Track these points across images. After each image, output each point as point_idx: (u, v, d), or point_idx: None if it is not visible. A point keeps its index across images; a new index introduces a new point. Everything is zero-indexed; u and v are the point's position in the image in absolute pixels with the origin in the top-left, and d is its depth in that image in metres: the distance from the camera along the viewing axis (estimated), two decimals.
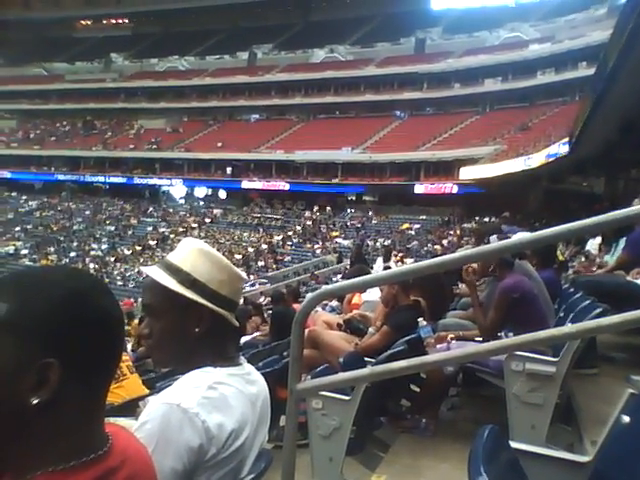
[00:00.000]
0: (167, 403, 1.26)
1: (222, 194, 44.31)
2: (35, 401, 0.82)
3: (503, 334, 3.66)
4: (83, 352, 0.86)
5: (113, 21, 63.63)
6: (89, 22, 64.24)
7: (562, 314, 4.04)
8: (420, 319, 4.17)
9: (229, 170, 42.39)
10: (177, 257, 1.45)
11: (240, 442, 1.33)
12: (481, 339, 3.75)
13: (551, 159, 24.02)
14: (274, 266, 32.53)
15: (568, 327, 2.79)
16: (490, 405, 3.66)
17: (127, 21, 63.11)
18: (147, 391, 4.22)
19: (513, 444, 1.51)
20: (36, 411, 0.83)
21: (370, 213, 37.76)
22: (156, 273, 1.42)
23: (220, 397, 1.32)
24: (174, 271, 1.42)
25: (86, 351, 0.86)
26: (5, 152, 49.77)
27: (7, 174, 48.96)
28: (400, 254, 29.12)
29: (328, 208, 38.93)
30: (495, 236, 4.33)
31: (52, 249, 39.64)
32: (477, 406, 4.01)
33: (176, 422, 1.24)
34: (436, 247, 28.44)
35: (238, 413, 1.34)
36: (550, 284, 4.37)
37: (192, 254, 1.45)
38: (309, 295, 2.44)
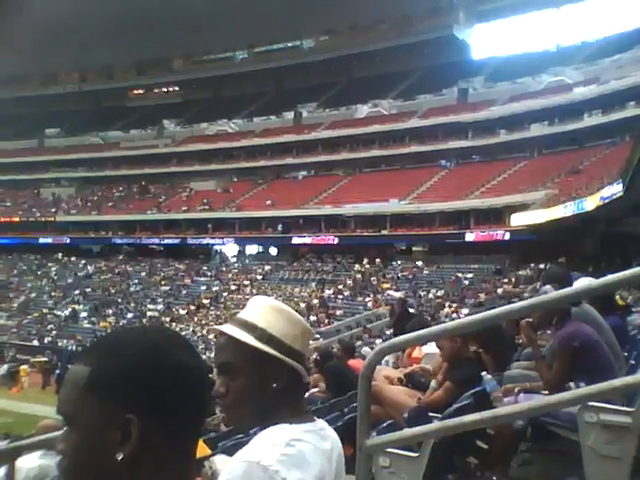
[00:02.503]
0: (247, 461, 1.27)
1: (273, 250, 44.79)
2: (120, 456, 0.86)
3: (573, 385, 3.54)
4: (163, 405, 0.89)
5: (164, 89, 66.57)
6: (141, 91, 67.37)
7: (633, 361, 3.90)
8: (483, 373, 4.08)
9: (279, 227, 42.93)
10: (250, 314, 1.47)
11: None
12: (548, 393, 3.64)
13: (605, 201, 23.52)
14: (326, 320, 32.38)
15: None
16: (563, 460, 3.52)
17: (177, 88, 65.88)
18: (210, 451, 4.24)
19: None
20: (122, 466, 0.86)
21: (420, 263, 37.42)
22: (233, 331, 1.44)
23: (298, 454, 1.31)
24: (250, 328, 1.43)
25: (166, 404, 0.89)
26: (65, 219, 51.78)
27: (67, 239, 50.76)
28: (454, 305, 28.75)
29: (378, 260, 38.82)
30: (549, 286, 4.23)
31: (110, 311, 40.55)
32: (549, 461, 3.86)
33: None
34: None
35: (316, 469, 1.33)
36: (617, 330, 4.23)
37: (265, 310, 1.47)
38: (376, 349, 2.44)
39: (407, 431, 2.59)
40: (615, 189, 22.10)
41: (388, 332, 22.72)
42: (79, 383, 0.89)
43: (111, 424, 0.87)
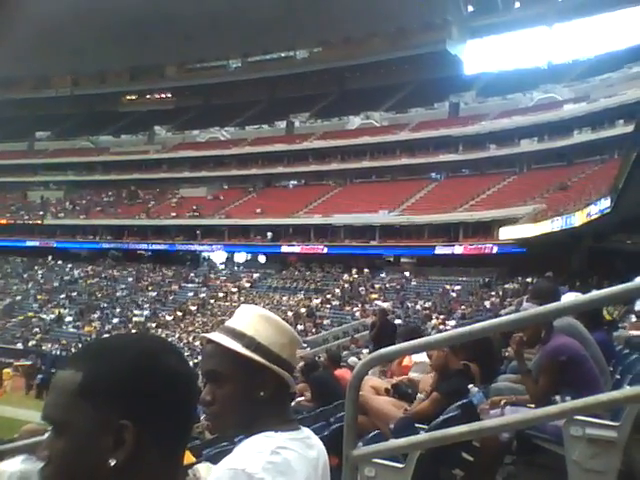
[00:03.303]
0: (233, 469, 1.26)
1: (262, 259, 44.73)
2: (113, 462, 0.85)
3: (558, 398, 3.55)
4: (155, 412, 0.89)
5: (156, 95, 66.58)
6: (134, 97, 67.32)
7: (619, 376, 3.92)
8: (470, 385, 4.09)
9: (269, 235, 42.92)
10: (238, 322, 1.47)
11: None
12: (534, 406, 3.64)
13: (593, 217, 23.70)
14: (313, 330, 32.34)
15: (631, 389, 2.71)
16: (548, 473, 3.53)
17: (170, 95, 65.92)
18: (194, 459, 4.20)
19: None
20: (114, 472, 0.86)
21: (408, 274, 37.52)
22: (221, 338, 1.43)
23: (284, 462, 1.31)
24: (238, 336, 1.43)
25: (158, 410, 0.89)
26: (53, 222, 51.50)
27: (53, 243, 50.44)
28: (442, 317, 28.81)
29: (366, 270, 38.87)
30: (529, 303, 4.22)
31: (95, 316, 40.27)
32: (534, 474, 3.86)
33: None
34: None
35: (302, 477, 1.33)
36: (602, 345, 4.25)
37: (254, 319, 1.47)
38: (364, 359, 2.44)
39: (393, 442, 2.59)
40: (603, 205, 22.28)
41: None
42: (69, 388, 0.88)
43: (104, 430, 0.86)
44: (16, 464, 3.65)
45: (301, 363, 11.07)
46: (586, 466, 2.89)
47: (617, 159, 27.56)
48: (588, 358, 3.70)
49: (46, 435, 0.93)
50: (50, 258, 49.97)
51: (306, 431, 1.46)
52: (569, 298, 4.24)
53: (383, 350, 2.54)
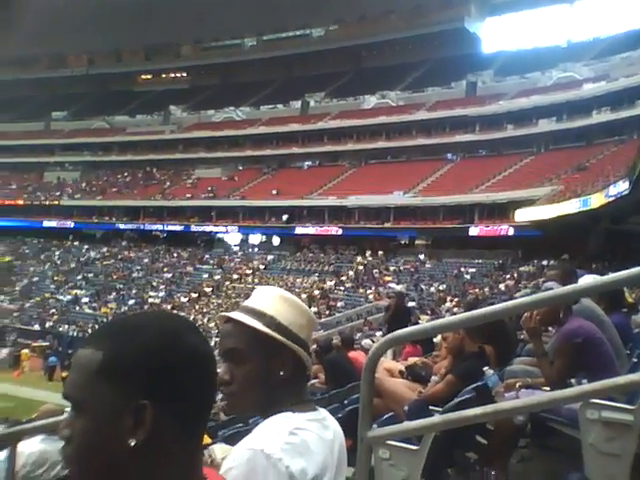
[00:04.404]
0: (251, 449, 1.27)
1: (276, 240, 44.81)
2: (133, 442, 0.85)
3: (574, 381, 3.52)
4: (175, 391, 0.88)
5: (172, 75, 66.46)
6: (149, 76, 67.26)
7: (635, 359, 3.88)
8: (485, 368, 4.07)
9: (284, 217, 42.94)
10: (258, 302, 1.47)
11: None
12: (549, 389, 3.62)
13: (611, 199, 23.44)
14: (327, 312, 32.41)
15: None
16: (562, 456, 3.51)
17: (185, 75, 65.77)
18: (209, 440, 4.23)
19: None
20: (134, 452, 0.85)
21: (423, 257, 37.40)
22: (242, 317, 1.44)
23: (301, 443, 1.32)
24: (258, 315, 1.43)
25: (178, 390, 0.88)
26: (69, 203, 51.83)
27: (70, 224, 50.83)
28: (456, 299, 28.74)
29: (380, 252, 38.80)
30: (552, 282, 4.19)
31: (111, 297, 40.65)
32: (548, 457, 3.85)
33: (260, 468, 1.25)
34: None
35: (319, 459, 1.34)
36: (620, 328, 4.21)
37: (273, 299, 1.47)
38: (380, 341, 2.43)
39: (408, 424, 2.58)
40: (621, 187, 22.02)
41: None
42: (90, 367, 0.88)
43: (124, 409, 0.86)
44: (35, 444, 3.70)
45: (314, 345, 11.08)
46: (602, 449, 2.86)
47: (636, 140, 27.20)
48: (604, 341, 3.67)
49: (64, 415, 0.93)
50: (70, 239, 50.35)
51: (323, 412, 1.47)
52: (586, 280, 4.19)
53: (399, 332, 2.53)
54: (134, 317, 0.98)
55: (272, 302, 1.46)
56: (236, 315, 1.45)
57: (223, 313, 1.51)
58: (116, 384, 0.86)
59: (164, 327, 0.91)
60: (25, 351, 30.20)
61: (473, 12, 51.18)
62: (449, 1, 51.86)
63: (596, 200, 25.16)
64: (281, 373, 1.41)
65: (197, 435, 0.94)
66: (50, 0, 50.30)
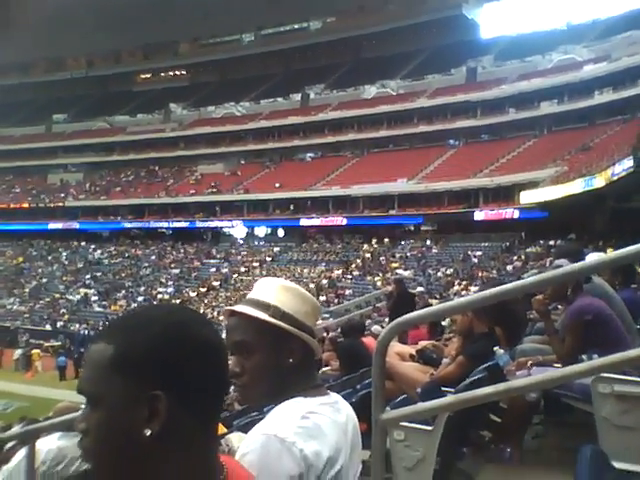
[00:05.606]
0: (264, 434, 1.29)
1: (281, 232, 44.86)
2: (148, 432, 0.87)
3: (585, 357, 3.54)
4: (188, 381, 0.89)
5: (171, 73, 66.35)
6: (148, 75, 67.16)
7: None
8: (496, 347, 4.09)
9: (291, 207, 42.93)
10: (261, 294, 1.49)
11: (336, 470, 1.35)
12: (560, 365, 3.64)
13: (615, 178, 23.36)
14: (335, 300, 32.50)
15: None
16: (576, 431, 3.54)
17: (184, 72, 65.65)
18: (225, 429, 4.27)
19: (617, 464, 1.47)
20: (151, 443, 0.87)
21: (428, 242, 37.39)
22: (247, 309, 1.46)
23: (314, 426, 1.34)
24: (263, 306, 1.45)
25: (190, 380, 0.90)
26: (73, 204, 51.95)
27: (76, 225, 50.95)
28: (464, 282, 28.75)
29: (386, 240, 38.80)
30: (564, 260, 4.20)
31: (121, 295, 40.82)
32: (562, 433, 3.87)
33: (275, 452, 1.26)
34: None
35: (332, 441, 1.36)
36: (630, 303, 4.23)
37: (276, 290, 1.49)
38: (389, 325, 2.44)
39: (422, 404, 2.60)
40: (626, 165, 21.93)
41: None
42: (102, 361, 0.89)
43: (138, 401, 0.87)
44: (53, 441, 3.74)
45: (332, 334, 11.06)
46: (616, 422, 2.88)
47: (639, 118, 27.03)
48: (614, 317, 3.69)
49: (80, 411, 0.95)
50: (76, 240, 50.49)
51: (334, 396, 1.49)
52: (593, 258, 4.20)
53: (408, 315, 2.54)
54: (144, 310, 0.99)
55: (275, 292, 1.48)
56: (241, 308, 1.47)
57: (227, 307, 1.52)
58: (129, 376, 0.88)
59: (173, 319, 0.93)
60: (36, 351, 30.34)
61: None
62: None
63: (601, 179, 25.07)
64: (290, 361, 1.43)
65: (212, 424, 0.95)
66: (46, 4, 50.21)
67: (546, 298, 3.84)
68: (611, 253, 2.44)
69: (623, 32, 38.48)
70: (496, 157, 38.34)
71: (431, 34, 52.21)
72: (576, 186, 27.01)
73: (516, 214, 33.54)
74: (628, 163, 21.73)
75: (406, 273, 32.78)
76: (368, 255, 37.83)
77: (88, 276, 44.45)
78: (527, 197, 31.54)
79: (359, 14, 55.32)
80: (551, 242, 28.36)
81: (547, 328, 3.87)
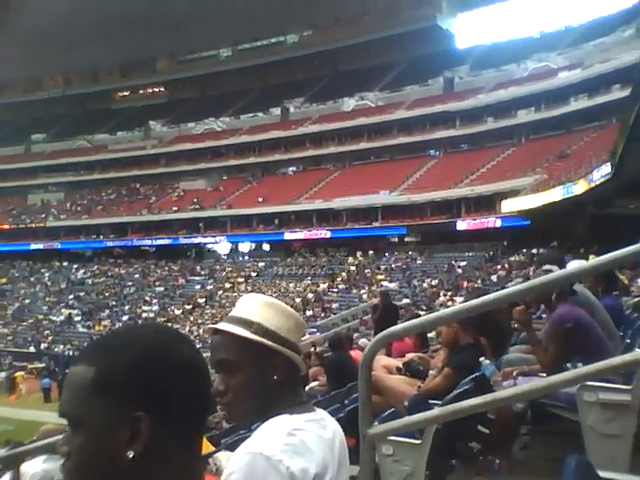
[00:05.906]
0: (250, 452, 1.27)
1: (266, 247, 44.77)
2: (131, 454, 0.86)
3: (569, 366, 3.57)
4: (170, 402, 0.89)
5: (149, 90, 66.29)
6: (126, 93, 67.10)
7: (629, 340, 3.93)
8: (482, 358, 4.10)
9: (276, 221, 42.91)
10: (243, 311, 1.48)
11: None
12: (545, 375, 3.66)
13: (594, 184, 23.63)
14: (322, 314, 32.43)
15: None
16: (563, 440, 3.55)
17: (163, 89, 65.65)
18: (213, 448, 4.24)
19: (602, 473, 1.48)
20: (133, 464, 0.86)
21: (411, 253, 37.53)
22: (230, 327, 1.45)
23: (300, 443, 1.32)
24: (246, 323, 1.44)
25: (172, 400, 0.89)
26: (55, 224, 51.55)
27: (58, 245, 50.51)
28: (449, 293, 28.85)
29: (371, 252, 38.89)
30: (554, 266, 4.24)
31: (105, 314, 40.42)
32: (550, 442, 3.89)
33: (261, 470, 1.25)
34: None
35: (319, 458, 1.34)
36: (612, 310, 4.27)
37: (258, 306, 1.48)
38: (374, 338, 2.45)
39: (409, 418, 2.61)
40: (604, 171, 22.20)
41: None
42: (82, 384, 0.88)
43: (120, 423, 0.86)
44: (38, 464, 3.70)
45: (319, 348, 11.01)
46: (601, 431, 2.90)
47: (615, 124, 27.37)
48: (594, 324, 3.72)
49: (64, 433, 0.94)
50: (58, 260, 50.02)
51: (320, 412, 1.47)
52: (574, 266, 4.24)
53: (392, 328, 2.56)
54: (124, 331, 0.98)
55: (257, 309, 1.47)
56: (224, 326, 1.45)
57: (210, 326, 1.51)
58: (110, 398, 0.87)
59: (154, 339, 0.92)
60: (20, 373, 29.93)
61: (444, 9, 51.46)
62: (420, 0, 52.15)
63: (580, 186, 25.35)
64: (275, 378, 1.42)
65: (195, 443, 0.94)
66: (22, 25, 50.02)
67: (527, 306, 3.87)
68: (592, 260, 2.49)
69: (595, 39, 39.16)
70: (476, 167, 38.67)
71: (407, 45, 52.73)
72: (556, 193, 27.29)
73: (498, 223, 33.80)
74: (606, 169, 21.98)
75: (392, 285, 32.85)
76: (353, 268, 37.86)
77: (71, 296, 44.00)
78: (508, 206, 31.79)
79: (335, 27, 55.77)
80: (534, 250, 28.57)
81: (530, 337, 3.90)
